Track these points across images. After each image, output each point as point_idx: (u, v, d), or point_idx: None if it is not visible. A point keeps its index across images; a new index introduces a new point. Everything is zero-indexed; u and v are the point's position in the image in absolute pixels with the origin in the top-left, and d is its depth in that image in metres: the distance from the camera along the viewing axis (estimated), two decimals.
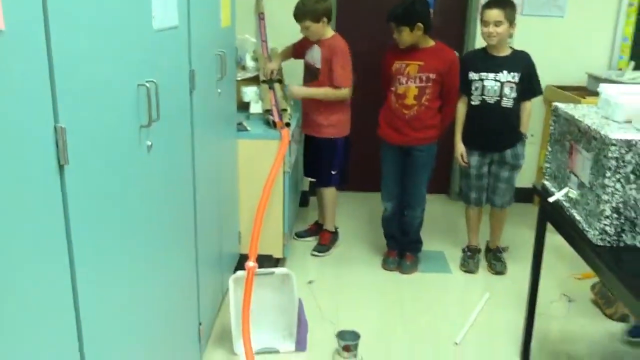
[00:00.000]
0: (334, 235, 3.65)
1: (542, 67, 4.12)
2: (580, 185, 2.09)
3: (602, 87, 2.25)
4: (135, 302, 1.58)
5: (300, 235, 3.76)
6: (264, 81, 3.39)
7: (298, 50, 3.53)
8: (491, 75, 3.10)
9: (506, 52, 3.15)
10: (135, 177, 1.54)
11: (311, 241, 3.69)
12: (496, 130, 3.16)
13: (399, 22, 3.07)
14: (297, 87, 3.42)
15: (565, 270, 3.36)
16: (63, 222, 1.14)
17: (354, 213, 4.14)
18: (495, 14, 3.03)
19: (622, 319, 2.88)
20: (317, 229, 3.76)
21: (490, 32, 3.05)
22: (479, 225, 3.47)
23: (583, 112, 2.19)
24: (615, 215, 1.88)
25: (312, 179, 3.80)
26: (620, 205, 1.86)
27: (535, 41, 4.16)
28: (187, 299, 2.15)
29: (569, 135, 2.21)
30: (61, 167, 1.12)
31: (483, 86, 3.12)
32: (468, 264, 3.39)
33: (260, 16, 3.95)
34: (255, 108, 3.37)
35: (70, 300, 1.19)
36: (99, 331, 1.33)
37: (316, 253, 3.54)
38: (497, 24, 3.03)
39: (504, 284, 3.26)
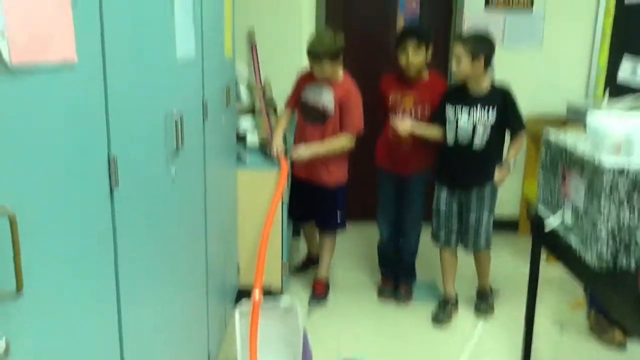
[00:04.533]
0: (327, 282, 3.51)
1: (521, 97, 4.28)
2: (575, 211, 2.19)
3: (590, 117, 2.39)
4: (157, 324, 1.60)
5: (297, 270, 3.76)
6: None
7: (294, 100, 3.34)
8: (465, 117, 2.98)
9: (482, 90, 2.97)
10: (163, 204, 1.59)
11: (308, 274, 3.70)
12: (463, 169, 3.07)
13: (421, 38, 3.05)
14: (303, 149, 3.18)
15: (554, 299, 3.45)
16: (112, 241, 1.19)
17: (348, 242, 4.19)
18: (456, 49, 2.91)
19: (620, 345, 2.94)
20: (310, 262, 3.77)
21: (454, 68, 2.96)
22: (453, 270, 3.30)
23: (574, 141, 2.32)
24: (610, 238, 1.98)
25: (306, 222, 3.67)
26: (615, 229, 1.97)
27: (515, 72, 4.35)
28: (198, 329, 2.18)
29: (561, 163, 2.33)
30: (112, 191, 1.17)
31: (457, 127, 3.00)
32: (437, 314, 3.23)
33: (253, 49, 4.07)
34: (252, 138, 3.44)
35: (115, 316, 1.23)
36: (137, 344, 1.36)
37: (315, 305, 3.36)
38: (458, 59, 2.89)
39: (497, 312, 3.34)
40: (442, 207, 3.18)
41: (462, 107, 2.99)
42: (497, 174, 3.03)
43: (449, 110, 3.04)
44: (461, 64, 2.88)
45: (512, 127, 3.04)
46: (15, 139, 0.82)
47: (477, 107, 2.96)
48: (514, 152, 3.06)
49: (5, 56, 0.74)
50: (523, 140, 3.10)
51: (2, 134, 0.78)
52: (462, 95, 3.02)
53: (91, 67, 1.07)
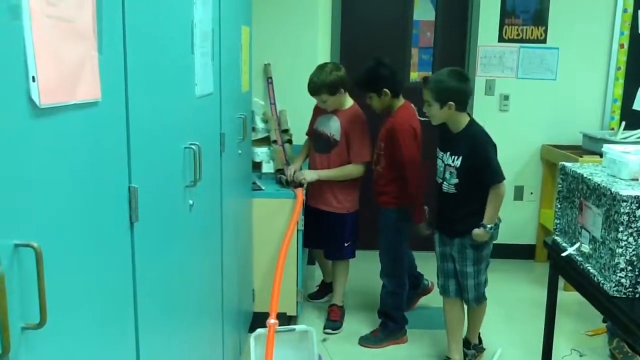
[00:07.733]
0: (343, 308, 3.52)
1: (537, 127, 4.36)
2: (592, 240, 2.18)
3: (607, 148, 2.40)
4: (174, 351, 1.62)
5: (313, 297, 3.78)
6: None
7: (310, 130, 3.43)
8: (440, 155, 2.78)
9: (457, 129, 2.71)
10: (180, 233, 1.61)
11: (323, 302, 3.70)
12: (443, 214, 2.85)
13: (364, 89, 3.02)
14: (309, 172, 3.28)
15: (572, 326, 3.41)
16: (131, 272, 1.21)
17: (366, 269, 4.13)
18: (425, 93, 2.68)
19: None
20: (325, 289, 3.78)
21: (425, 112, 2.74)
22: (457, 327, 2.94)
23: (590, 171, 2.32)
24: (629, 268, 1.96)
25: (317, 249, 3.71)
26: (634, 258, 1.96)
27: (530, 103, 4.39)
28: (213, 355, 2.18)
29: (578, 193, 2.32)
30: (132, 224, 1.20)
31: (435, 165, 2.83)
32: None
33: (269, 80, 4.14)
34: (267, 168, 3.48)
35: (133, 345, 1.25)
36: None
37: (330, 331, 3.35)
38: (427, 103, 2.67)
39: (515, 339, 3.30)
40: (437, 250, 2.93)
41: (439, 147, 2.82)
42: (476, 230, 2.69)
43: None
44: (431, 110, 2.67)
45: (484, 180, 2.68)
46: (41, 174, 0.84)
47: (448, 151, 2.74)
48: (489, 213, 2.67)
49: (35, 98, 0.78)
50: (499, 198, 2.68)
51: (28, 169, 0.81)
52: (444, 135, 2.79)
53: (114, 103, 1.10)
